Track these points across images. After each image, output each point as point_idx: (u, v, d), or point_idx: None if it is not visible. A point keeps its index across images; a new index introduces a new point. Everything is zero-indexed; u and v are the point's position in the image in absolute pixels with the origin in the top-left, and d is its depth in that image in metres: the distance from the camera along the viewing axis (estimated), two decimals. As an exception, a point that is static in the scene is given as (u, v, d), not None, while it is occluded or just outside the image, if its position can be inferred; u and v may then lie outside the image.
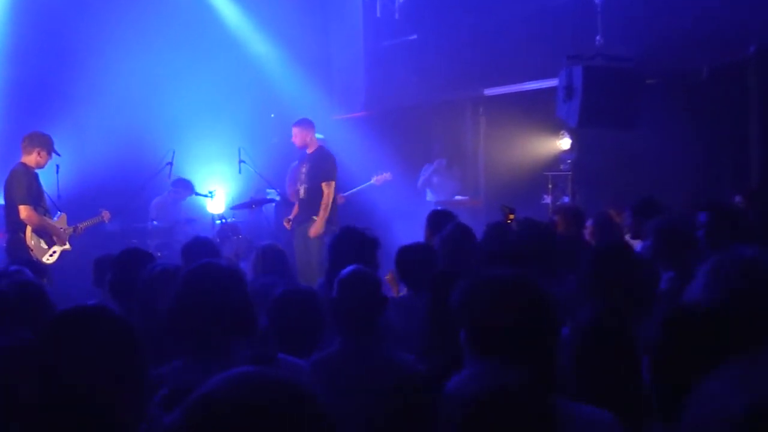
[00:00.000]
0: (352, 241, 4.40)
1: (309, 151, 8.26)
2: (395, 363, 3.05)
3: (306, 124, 8.28)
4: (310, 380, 2.65)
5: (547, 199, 9.14)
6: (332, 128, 10.15)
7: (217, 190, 9.89)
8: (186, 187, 9.70)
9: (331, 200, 8.03)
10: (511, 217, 6.09)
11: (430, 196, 10.09)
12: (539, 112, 9.27)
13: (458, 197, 10.03)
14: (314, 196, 8.05)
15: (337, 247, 4.42)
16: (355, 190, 9.27)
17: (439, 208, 9.40)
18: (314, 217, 8.00)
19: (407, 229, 7.42)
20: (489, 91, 10.18)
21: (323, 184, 8.03)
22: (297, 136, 8.23)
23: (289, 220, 8.38)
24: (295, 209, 8.35)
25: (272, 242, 5.51)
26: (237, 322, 2.54)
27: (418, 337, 3.38)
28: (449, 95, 10.55)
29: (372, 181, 9.31)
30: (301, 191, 8.21)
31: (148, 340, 3.07)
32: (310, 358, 3.09)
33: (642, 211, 5.47)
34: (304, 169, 8.23)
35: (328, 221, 7.97)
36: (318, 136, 8.63)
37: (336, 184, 8.18)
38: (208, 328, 2.49)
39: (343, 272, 3.27)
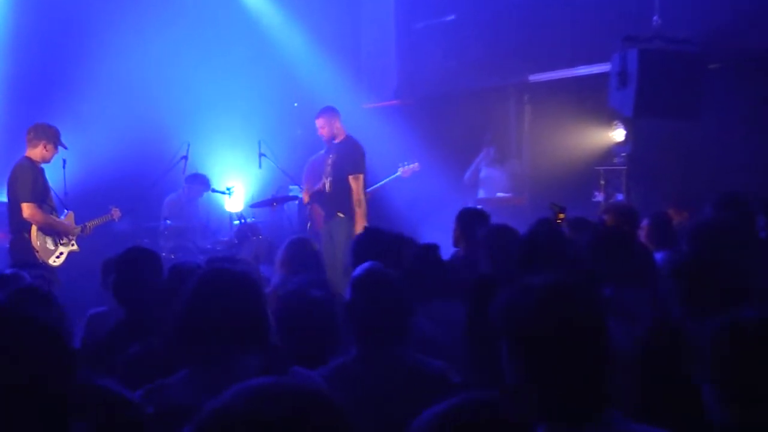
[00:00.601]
0: (376, 243, 4.41)
1: (336, 141, 8.31)
2: (421, 370, 3.02)
3: (331, 112, 8.32)
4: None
5: (599, 197, 9.06)
6: (361, 118, 10.15)
7: (235, 186, 9.96)
8: (202, 182, 9.78)
9: (362, 195, 8.07)
10: (561, 216, 6.04)
11: (482, 193, 10.05)
12: (590, 100, 9.21)
13: (500, 194, 9.99)
14: (340, 189, 8.09)
15: (360, 250, 4.42)
16: (379, 184, 9.31)
17: (478, 206, 9.46)
18: (339, 214, 8.04)
19: (445, 229, 7.43)
20: (534, 77, 10.15)
21: (350, 178, 8.07)
22: (324, 127, 8.26)
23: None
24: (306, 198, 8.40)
25: (302, 235, 5.48)
26: (249, 332, 2.58)
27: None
28: (490, 82, 10.52)
29: (398, 173, 9.32)
30: (327, 184, 8.26)
31: (161, 346, 3.16)
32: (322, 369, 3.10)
33: (724, 207, 5.41)
34: (329, 161, 8.28)
35: (350, 218, 8.03)
36: None
37: (365, 178, 8.23)
38: (217, 337, 2.54)
39: (356, 271, 3.22)
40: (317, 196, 8.46)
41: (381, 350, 3.05)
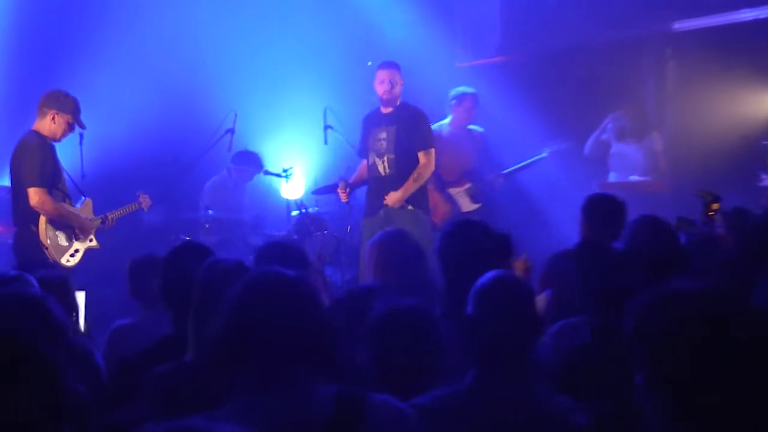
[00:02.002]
0: (471, 242, 4.37)
1: (387, 109, 8.27)
2: (547, 408, 3.05)
3: (398, 67, 8.30)
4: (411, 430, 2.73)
5: (767, 181, 8.85)
6: (454, 79, 10.16)
7: (294, 167, 9.97)
8: (252, 162, 9.82)
9: (429, 172, 8.06)
10: (715, 207, 5.95)
11: (613, 176, 9.91)
12: (755, 53, 9.03)
13: (635, 178, 9.81)
14: (406, 171, 8.05)
15: (448, 251, 4.40)
16: (520, 165, 9.40)
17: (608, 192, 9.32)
18: (408, 206, 8.00)
19: (563, 221, 7.32)
20: (680, 25, 10.06)
21: (421, 154, 8.06)
22: (385, 82, 8.18)
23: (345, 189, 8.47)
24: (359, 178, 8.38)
25: (398, 229, 5.43)
26: (311, 350, 2.60)
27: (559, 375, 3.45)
28: (621, 32, 10.44)
29: (544, 154, 9.42)
30: (382, 166, 8.20)
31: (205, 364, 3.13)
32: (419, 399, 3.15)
33: None
34: (384, 135, 8.21)
35: (424, 211, 8.01)
36: (463, 89, 8.93)
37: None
38: (274, 357, 2.56)
39: (482, 280, 3.26)
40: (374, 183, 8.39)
41: (506, 381, 3.11)
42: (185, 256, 4.23)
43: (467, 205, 9.21)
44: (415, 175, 8.01)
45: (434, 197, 8.78)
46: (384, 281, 4.77)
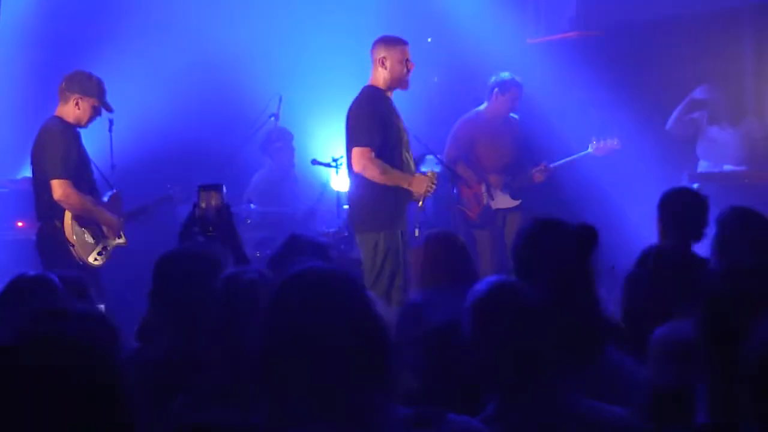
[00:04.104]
0: (550, 243, 4.21)
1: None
2: (596, 421, 2.97)
3: (396, 41, 8.26)
4: None
5: None
6: (525, 57, 10.19)
7: (345, 156, 9.95)
8: (278, 135, 9.79)
9: (377, 173, 7.67)
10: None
11: (704, 165, 9.78)
12: None
13: (728, 167, 9.68)
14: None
15: (527, 250, 4.25)
16: (562, 162, 9.42)
17: (694, 184, 9.21)
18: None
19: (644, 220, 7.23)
20: (785, -7, 9.98)
21: (355, 151, 7.77)
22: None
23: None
24: None
25: (444, 230, 5.42)
26: (369, 361, 2.53)
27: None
28: (716, 2, 10.37)
29: (589, 150, 9.41)
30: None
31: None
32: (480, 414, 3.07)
33: None
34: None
35: (378, 224, 7.73)
36: (508, 76, 8.93)
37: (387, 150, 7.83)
38: (328, 375, 2.48)
39: (476, 288, 3.14)
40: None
41: (525, 401, 2.99)
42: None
43: (505, 201, 9.35)
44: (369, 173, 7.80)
45: (469, 191, 9.07)
46: (431, 286, 4.83)
